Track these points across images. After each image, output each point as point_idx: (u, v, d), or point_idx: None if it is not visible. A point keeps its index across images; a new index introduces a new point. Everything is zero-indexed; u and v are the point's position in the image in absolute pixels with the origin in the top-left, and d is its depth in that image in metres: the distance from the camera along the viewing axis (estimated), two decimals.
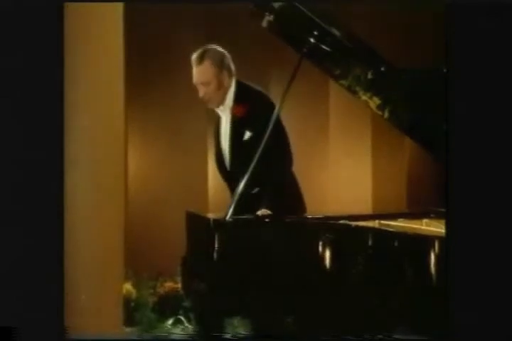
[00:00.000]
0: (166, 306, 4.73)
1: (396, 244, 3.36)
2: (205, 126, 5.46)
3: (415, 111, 3.98)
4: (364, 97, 4.03)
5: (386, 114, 4.04)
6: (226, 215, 3.65)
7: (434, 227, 3.55)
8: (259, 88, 4.04)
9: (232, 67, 4.00)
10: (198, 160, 5.46)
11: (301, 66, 3.87)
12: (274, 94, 5.22)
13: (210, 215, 3.82)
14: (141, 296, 4.77)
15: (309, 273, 3.57)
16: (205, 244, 3.69)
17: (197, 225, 3.85)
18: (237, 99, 3.96)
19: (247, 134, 3.89)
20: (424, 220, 3.80)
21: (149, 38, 5.36)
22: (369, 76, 3.96)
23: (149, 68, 5.35)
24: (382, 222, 3.75)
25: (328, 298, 3.53)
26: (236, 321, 4.51)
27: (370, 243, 3.45)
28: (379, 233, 3.51)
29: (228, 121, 3.97)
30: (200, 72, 3.94)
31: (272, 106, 3.85)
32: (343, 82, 4.05)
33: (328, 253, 3.56)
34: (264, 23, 3.86)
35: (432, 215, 3.86)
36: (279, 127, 3.88)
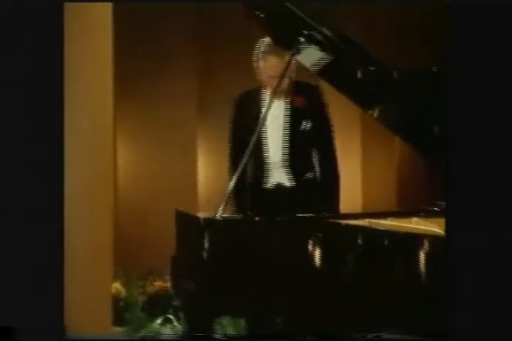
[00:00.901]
0: (156, 305, 4.72)
1: (386, 242, 3.37)
2: (194, 124, 5.45)
3: (405, 111, 3.99)
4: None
5: (376, 113, 4.04)
6: (216, 214, 3.65)
7: (424, 226, 3.56)
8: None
9: None
10: (187, 159, 5.45)
11: (291, 65, 3.87)
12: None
13: (200, 214, 3.81)
14: (131, 295, 4.76)
15: (300, 272, 3.57)
16: (194, 243, 3.68)
17: (187, 224, 3.84)
18: (296, 91, 4.02)
19: (304, 124, 3.96)
20: (414, 219, 3.80)
21: (139, 37, 5.34)
22: (358, 75, 3.96)
23: (139, 66, 5.34)
24: (372, 220, 3.75)
25: (319, 297, 3.53)
26: (225, 320, 4.52)
27: (360, 241, 3.45)
28: (369, 232, 3.52)
29: (283, 111, 4.02)
30: (278, 64, 3.92)
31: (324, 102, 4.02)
32: (332, 80, 4.06)
33: (318, 252, 3.56)
34: None
35: (421, 214, 3.86)
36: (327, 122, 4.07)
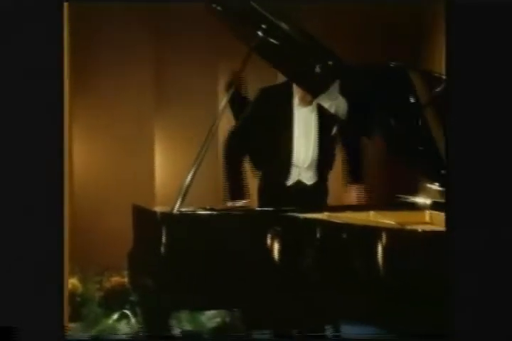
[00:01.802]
0: (113, 301, 4.68)
1: (344, 235, 3.38)
2: (152, 119, 5.44)
3: (360, 107, 4.02)
4: None
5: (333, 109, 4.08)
6: (173, 208, 3.63)
7: (381, 219, 3.58)
8: None
9: None
10: (145, 154, 5.43)
11: (249, 59, 3.88)
12: (223, 87, 5.25)
13: (157, 208, 3.79)
14: (88, 291, 4.72)
15: (258, 266, 3.57)
16: (152, 237, 3.66)
17: (144, 219, 3.82)
18: None
19: (333, 130, 4.16)
20: (372, 212, 3.82)
21: (95, 33, 5.31)
22: (317, 70, 3.97)
23: (95, 62, 5.31)
24: (331, 214, 3.76)
25: (278, 291, 3.53)
26: (183, 315, 4.50)
27: (318, 235, 3.46)
28: (327, 225, 3.53)
29: (313, 118, 4.14)
30: None
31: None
32: (290, 75, 4.07)
33: (276, 246, 3.56)
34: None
35: (379, 207, 3.89)
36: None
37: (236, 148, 4.18)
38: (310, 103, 4.16)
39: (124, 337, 4.50)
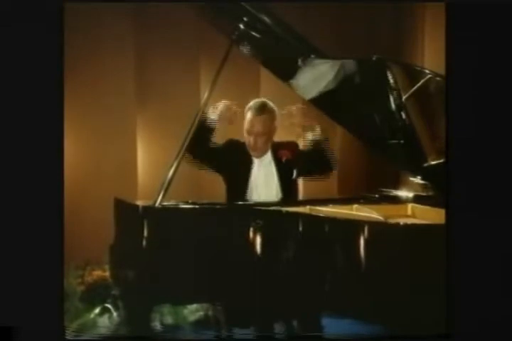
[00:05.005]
0: (94, 295, 4.67)
1: (326, 229, 3.38)
2: (132, 112, 5.41)
3: (345, 98, 4.02)
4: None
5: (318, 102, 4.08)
6: (155, 202, 3.63)
7: (364, 212, 3.59)
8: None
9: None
10: (126, 147, 5.41)
11: (231, 52, 3.87)
12: (204, 81, 5.24)
13: (139, 202, 3.78)
14: (69, 285, 4.69)
15: (240, 260, 3.57)
16: (134, 231, 3.65)
17: (126, 212, 3.81)
18: (279, 148, 4.15)
19: (293, 174, 4.11)
20: (355, 205, 3.83)
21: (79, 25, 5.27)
22: (299, 63, 3.98)
23: (77, 54, 5.28)
24: (313, 207, 3.77)
25: (260, 285, 3.53)
26: (165, 309, 4.49)
27: (300, 228, 3.46)
28: (310, 219, 3.53)
29: (273, 165, 4.14)
30: (259, 123, 4.08)
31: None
32: (273, 68, 4.07)
33: (258, 240, 3.56)
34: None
35: (361, 201, 3.91)
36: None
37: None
38: (264, 151, 4.15)
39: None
